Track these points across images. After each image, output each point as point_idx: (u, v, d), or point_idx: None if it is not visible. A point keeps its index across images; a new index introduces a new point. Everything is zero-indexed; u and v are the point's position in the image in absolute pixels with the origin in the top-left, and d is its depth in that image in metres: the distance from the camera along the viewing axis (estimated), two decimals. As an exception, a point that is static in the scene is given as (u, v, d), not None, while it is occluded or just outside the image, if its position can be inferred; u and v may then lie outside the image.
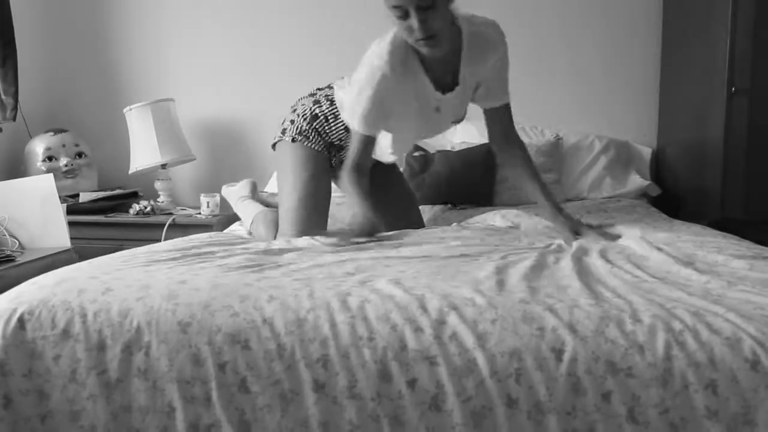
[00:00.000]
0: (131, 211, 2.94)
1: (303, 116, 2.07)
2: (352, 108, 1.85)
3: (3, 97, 2.92)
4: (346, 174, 1.85)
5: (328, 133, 2.06)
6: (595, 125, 3.07)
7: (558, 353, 1.05)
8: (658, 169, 3.06)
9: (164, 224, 2.81)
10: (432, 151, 2.93)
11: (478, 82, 1.89)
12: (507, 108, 1.95)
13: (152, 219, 2.88)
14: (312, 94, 2.13)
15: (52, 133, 3.05)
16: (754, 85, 2.36)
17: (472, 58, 1.81)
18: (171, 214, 2.97)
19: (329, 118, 2.05)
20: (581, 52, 3.08)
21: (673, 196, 2.85)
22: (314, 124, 2.05)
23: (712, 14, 2.50)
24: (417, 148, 2.91)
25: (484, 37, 1.81)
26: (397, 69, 1.76)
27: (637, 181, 2.84)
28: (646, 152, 3.02)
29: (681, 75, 2.83)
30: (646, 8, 3.03)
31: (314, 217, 1.97)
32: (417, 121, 1.93)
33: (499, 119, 1.94)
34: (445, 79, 1.84)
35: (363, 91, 1.79)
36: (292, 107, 2.16)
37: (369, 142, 1.86)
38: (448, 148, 2.94)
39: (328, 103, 2.06)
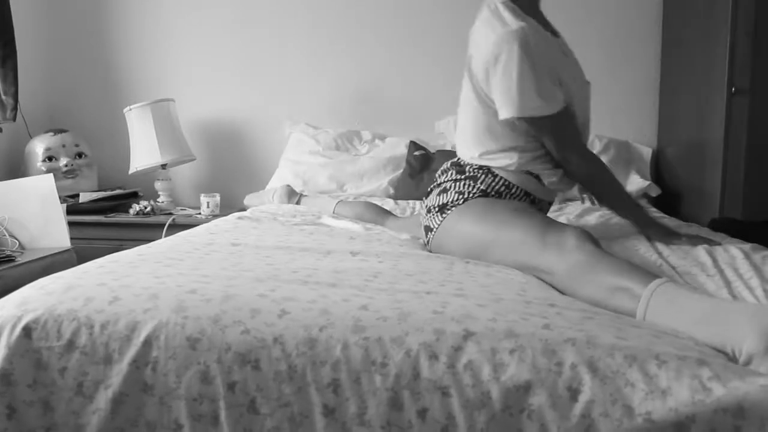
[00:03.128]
0: (131, 211, 2.94)
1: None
2: (518, 91, 1.61)
3: (3, 97, 2.91)
4: (577, 167, 1.70)
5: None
6: (595, 125, 3.06)
7: (574, 393, 1.00)
8: (658, 169, 3.06)
9: (164, 224, 2.81)
10: (432, 150, 2.93)
11: None
12: None
13: (152, 219, 2.88)
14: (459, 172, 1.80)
15: (52, 133, 3.05)
16: (754, 85, 2.36)
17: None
18: (171, 214, 2.97)
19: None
20: (581, 52, 3.05)
21: (674, 196, 2.86)
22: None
23: (712, 14, 2.50)
24: (417, 147, 2.92)
25: None
26: (527, 21, 1.66)
27: (637, 181, 2.84)
28: (647, 152, 3.02)
29: (681, 75, 2.83)
30: (646, 8, 3.03)
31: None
32: (572, 72, 1.82)
33: None
34: None
35: (516, 63, 1.60)
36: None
37: (567, 116, 1.69)
38: (448, 148, 2.94)
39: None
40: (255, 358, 1.08)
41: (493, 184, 1.74)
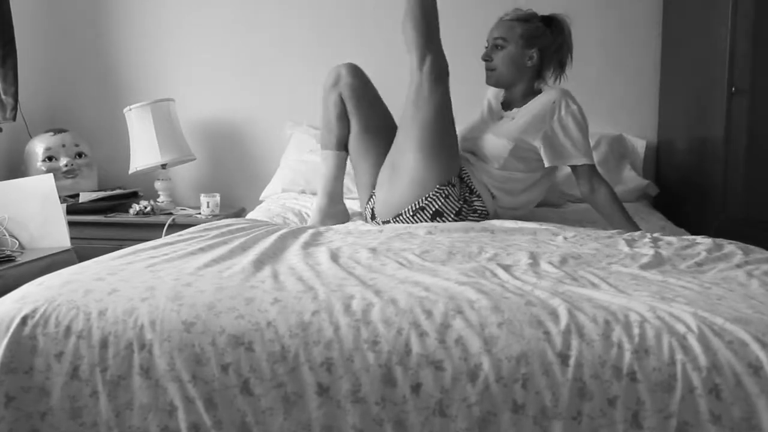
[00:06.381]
0: (131, 211, 2.94)
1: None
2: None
3: (3, 97, 2.91)
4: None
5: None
6: (595, 125, 3.06)
7: (564, 358, 1.04)
8: (658, 169, 3.06)
9: (164, 224, 2.81)
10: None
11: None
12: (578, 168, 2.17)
13: (152, 219, 2.88)
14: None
15: (52, 133, 3.05)
16: (754, 85, 2.36)
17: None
18: (171, 214, 2.96)
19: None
20: (581, 52, 3.06)
21: (675, 196, 2.86)
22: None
23: (712, 14, 2.50)
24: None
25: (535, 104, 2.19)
26: None
27: (635, 180, 2.82)
28: (640, 144, 3.00)
29: (681, 75, 2.83)
30: (646, 8, 3.03)
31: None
32: None
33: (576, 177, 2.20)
34: None
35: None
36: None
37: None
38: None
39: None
40: (248, 340, 1.11)
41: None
